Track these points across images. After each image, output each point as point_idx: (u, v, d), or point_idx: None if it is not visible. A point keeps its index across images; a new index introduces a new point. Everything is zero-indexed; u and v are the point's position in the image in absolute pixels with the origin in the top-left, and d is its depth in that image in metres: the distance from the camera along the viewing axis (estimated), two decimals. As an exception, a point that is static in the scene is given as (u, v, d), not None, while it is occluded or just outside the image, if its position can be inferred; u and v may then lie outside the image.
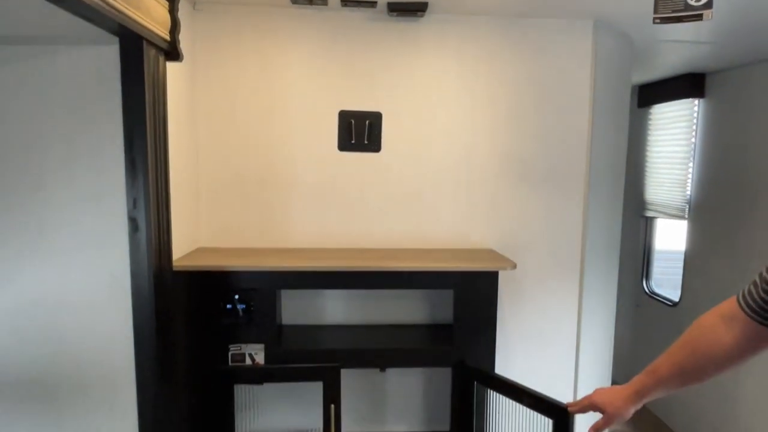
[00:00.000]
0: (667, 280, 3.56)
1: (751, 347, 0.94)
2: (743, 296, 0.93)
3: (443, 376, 1.91)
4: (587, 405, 1.20)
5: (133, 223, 1.27)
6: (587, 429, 1.17)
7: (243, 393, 1.83)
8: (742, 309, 0.92)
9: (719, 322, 0.98)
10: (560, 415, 1.37)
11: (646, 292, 3.51)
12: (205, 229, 1.83)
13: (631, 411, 1.13)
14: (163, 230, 1.40)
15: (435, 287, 1.64)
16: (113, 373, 1.29)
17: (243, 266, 1.58)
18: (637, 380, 1.11)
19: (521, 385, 1.50)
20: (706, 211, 2.91)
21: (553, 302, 1.95)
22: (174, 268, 1.49)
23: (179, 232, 1.57)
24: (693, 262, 3.02)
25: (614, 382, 3.85)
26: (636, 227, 3.61)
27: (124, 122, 1.24)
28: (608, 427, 1.15)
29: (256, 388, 1.85)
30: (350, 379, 1.88)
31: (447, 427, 1.84)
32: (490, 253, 1.82)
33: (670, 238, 3.60)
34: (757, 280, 0.90)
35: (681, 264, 3.11)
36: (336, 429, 1.63)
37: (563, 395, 1.97)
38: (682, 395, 3.06)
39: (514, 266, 1.64)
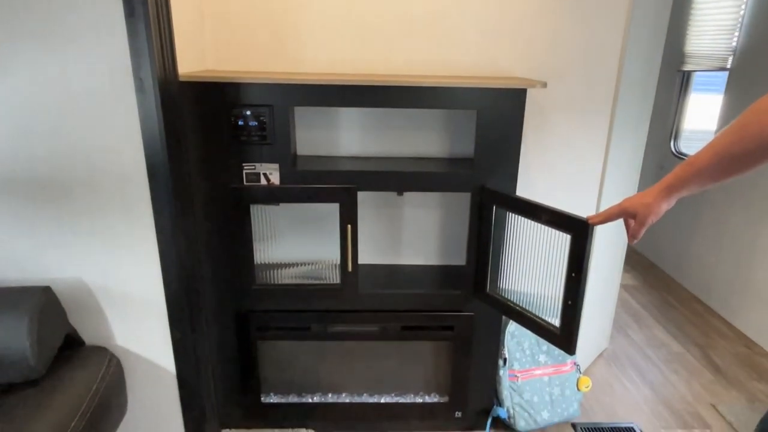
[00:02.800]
0: (697, 139, 3.40)
1: None
2: None
3: (461, 211, 1.88)
4: (616, 212, 1.15)
5: (129, 10, 1.15)
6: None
7: (259, 221, 1.84)
8: None
9: None
10: (579, 229, 1.33)
11: (672, 152, 3.38)
12: (211, 54, 1.70)
13: (664, 208, 1.07)
14: (165, 38, 1.29)
15: (458, 107, 1.53)
16: (125, 175, 1.26)
17: (254, 78, 1.49)
18: (671, 174, 1.04)
19: (540, 203, 1.45)
20: (753, 59, 2.67)
21: (580, 141, 1.85)
22: (180, 79, 1.40)
23: (183, 50, 1.45)
24: (730, 115, 2.85)
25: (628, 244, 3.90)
26: (670, 83, 3.38)
27: None
28: (643, 229, 1.10)
29: (272, 217, 1.84)
30: (367, 211, 1.87)
31: (463, 262, 1.85)
32: (518, 79, 1.69)
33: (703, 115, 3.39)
34: None
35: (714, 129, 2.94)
36: (353, 249, 1.63)
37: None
38: (697, 251, 3.07)
39: (544, 85, 1.52)
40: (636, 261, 3.57)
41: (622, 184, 2.13)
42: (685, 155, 3.26)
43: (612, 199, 2.06)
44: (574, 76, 1.77)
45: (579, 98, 1.80)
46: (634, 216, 1.10)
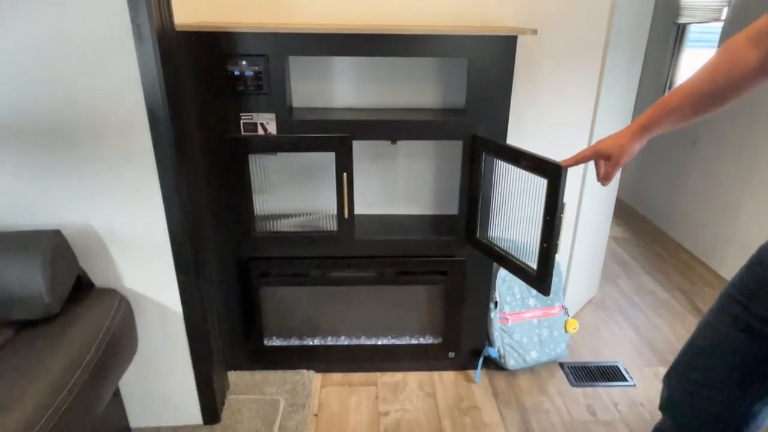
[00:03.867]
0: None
1: None
2: None
3: (453, 160, 1.93)
4: (590, 155, 1.18)
5: (124, -44, 1.17)
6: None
7: (257, 175, 1.88)
8: None
9: (744, 42, 0.92)
10: (553, 173, 1.38)
11: (665, 105, 3.40)
12: (205, 8, 1.72)
13: (637, 148, 1.12)
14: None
15: (450, 55, 1.56)
16: (126, 122, 1.30)
17: (249, 28, 1.51)
18: (645, 115, 1.08)
19: (520, 149, 1.50)
20: (747, 10, 2.68)
21: (571, 88, 1.88)
22: (177, 29, 1.43)
23: (178, 2, 1.47)
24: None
25: (618, 197, 3.94)
26: (666, 37, 3.38)
27: None
28: (617, 170, 1.15)
29: (269, 170, 1.89)
30: (361, 163, 1.92)
31: (455, 211, 1.91)
32: (509, 27, 1.71)
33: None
34: None
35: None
36: (349, 197, 1.69)
37: (572, 184, 2.02)
38: (685, 204, 3.14)
39: (534, 32, 1.54)
40: (626, 214, 3.64)
41: (611, 130, 2.17)
42: (678, 109, 3.28)
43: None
44: (565, 24, 1.79)
45: (569, 46, 1.82)
46: (608, 157, 1.14)
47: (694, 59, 3.34)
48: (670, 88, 3.40)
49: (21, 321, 1.28)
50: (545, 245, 1.46)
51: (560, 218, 1.42)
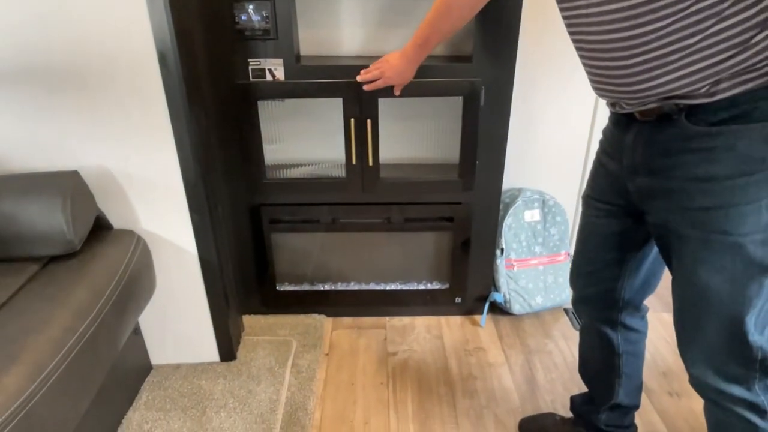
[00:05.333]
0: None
1: None
2: None
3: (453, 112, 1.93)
4: (381, 84, 1.61)
5: None
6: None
7: (267, 123, 1.91)
8: None
9: None
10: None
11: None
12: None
13: (415, 69, 1.59)
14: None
15: (456, -3, 1.55)
16: (137, 63, 1.33)
17: (254, -29, 1.51)
18: (415, 37, 1.49)
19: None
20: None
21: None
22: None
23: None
24: None
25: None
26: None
27: None
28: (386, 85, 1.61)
29: (279, 117, 1.91)
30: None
31: (458, 156, 1.93)
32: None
33: None
34: None
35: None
36: (356, 143, 1.72)
37: (581, 133, 2.01)
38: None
39: (542, -29, 1.52)
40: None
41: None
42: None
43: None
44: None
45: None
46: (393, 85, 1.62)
47: None
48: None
49: (45, 257, 1.34)
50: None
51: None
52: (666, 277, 2.07)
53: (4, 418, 0.91)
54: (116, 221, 1.53)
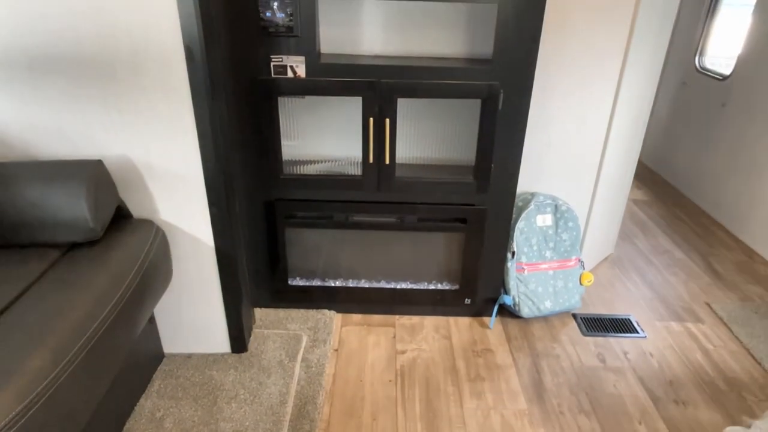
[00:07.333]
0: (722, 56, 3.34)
1: None
2: None
3: (471, 114, 1.95)
4: None
5: None
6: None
7: (286, 119, 1.93)
8: None
9: None
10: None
11: (696, 68, 3.33)
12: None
13: None
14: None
15: (479, 0, 1.57)
16: (164, 56, 1.34)
17: (280, -31, 1.53)
18: None
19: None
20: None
21: (600, 43, 1.87)
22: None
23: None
24: (761, 17, 2.78)
25: (641, 161, 3.91)
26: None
27: None
28: None
29: (297, 116, 1.93)
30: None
31: (473, 161, 1.94)
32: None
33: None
34: None
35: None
36: (374, 142, 1.73)
37: (596, 140, 2.01)
38: (709, 167, 3.11)
39: (566, -22, 1.53)
40: (648, 178, 3.62)
41: (638, 90, 2.16)
42: (710, 71, 3.21)
43: (628, 103, 2.10)
44: (598, -26, 1.77)
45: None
46: None
47: (730, 19, 3.24)
48: (701, 51, 3.31)
49: (67, 243, 1.37)
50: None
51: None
52: (674, 287, 2.08)
53: (29, 400, 0.94)
54: (136, 210, 1.55)
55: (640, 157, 2.88)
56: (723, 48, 3.40)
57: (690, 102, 3.37)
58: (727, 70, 3.04)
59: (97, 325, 1.15)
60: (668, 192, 3.42)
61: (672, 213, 3.11)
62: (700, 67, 3.31)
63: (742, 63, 2.88)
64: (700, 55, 3.33)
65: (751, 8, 2.79)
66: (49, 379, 0.99)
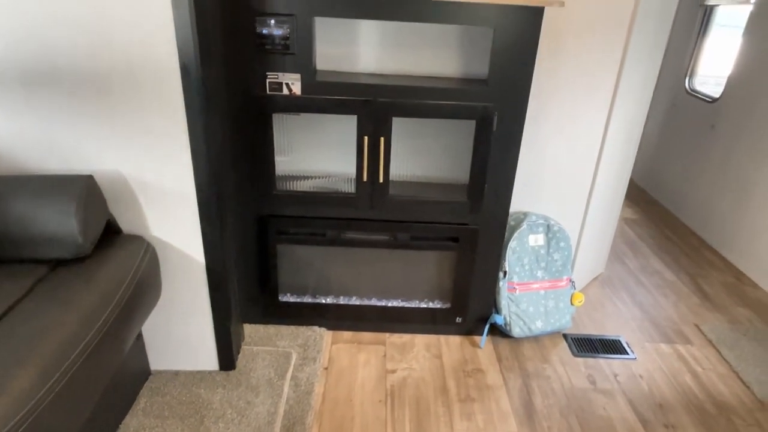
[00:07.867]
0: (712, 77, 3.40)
1: None
2: None
3: (465, 134, 1.96)
4: None
5: None
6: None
7: (280, 134, 1.92)
8: None
9: None
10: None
11: (687, 90, 3.38)
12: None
13: None
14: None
15: (476, 23, 1.58)
16: (160, 72, 1.34)
17: (278, -13, 1.53)
18: None
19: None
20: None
21: (593, 66, 1.89)
22: (208, -16, 1.46)
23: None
24: (751, 39, 2.83)
25: (632, 180, 3.95)
26: (691, 21, 3.33)
27: None
28: None
29: (291, 133, 1.93)
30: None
31: (467, 180, 1.94)
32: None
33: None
34: None
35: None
36: (369, 160, 1.73)
37: (588, 161, 2.03)
38: (698, 188, 3.15)
39: (562, 3, 1.55)
40: (639, 197, 3.66)
41: (630, 112, 2.18)
42: (700, 93, 3.26)
43: (620, 125, 2.13)
44: (591, 0, 1.79)
45: (595, 22, 1.83)
46: None
47: (720, 42, 3.30)
48: (692, 73, 3.37)
49: (55, 260, 1.35)
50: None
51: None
52: (664, 308, 2.08)
53: (13, 422, 0.91)
54: (126, 226, 1.53)
55: (631, 176, 2.90)
56: (713, 68, 3.46)
57: (680, 123, 3.42)
58: (716, 92, 3.09)
59: (83, 346, 1.13)
60: (658, 212, 3.46)
61: (662, 233, 3.14)
62: (690, 89, 3.36)
63: (731, 84, 2.93)
64: (690, 76, 3.38)
65: (742, 30, 2.84)
66: (34, 400, 0.97)
